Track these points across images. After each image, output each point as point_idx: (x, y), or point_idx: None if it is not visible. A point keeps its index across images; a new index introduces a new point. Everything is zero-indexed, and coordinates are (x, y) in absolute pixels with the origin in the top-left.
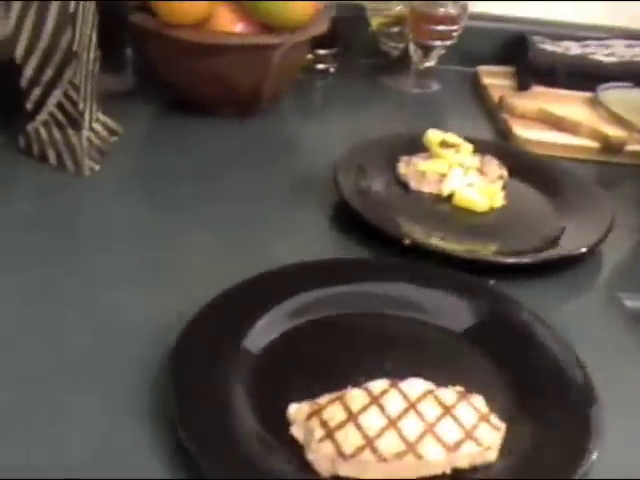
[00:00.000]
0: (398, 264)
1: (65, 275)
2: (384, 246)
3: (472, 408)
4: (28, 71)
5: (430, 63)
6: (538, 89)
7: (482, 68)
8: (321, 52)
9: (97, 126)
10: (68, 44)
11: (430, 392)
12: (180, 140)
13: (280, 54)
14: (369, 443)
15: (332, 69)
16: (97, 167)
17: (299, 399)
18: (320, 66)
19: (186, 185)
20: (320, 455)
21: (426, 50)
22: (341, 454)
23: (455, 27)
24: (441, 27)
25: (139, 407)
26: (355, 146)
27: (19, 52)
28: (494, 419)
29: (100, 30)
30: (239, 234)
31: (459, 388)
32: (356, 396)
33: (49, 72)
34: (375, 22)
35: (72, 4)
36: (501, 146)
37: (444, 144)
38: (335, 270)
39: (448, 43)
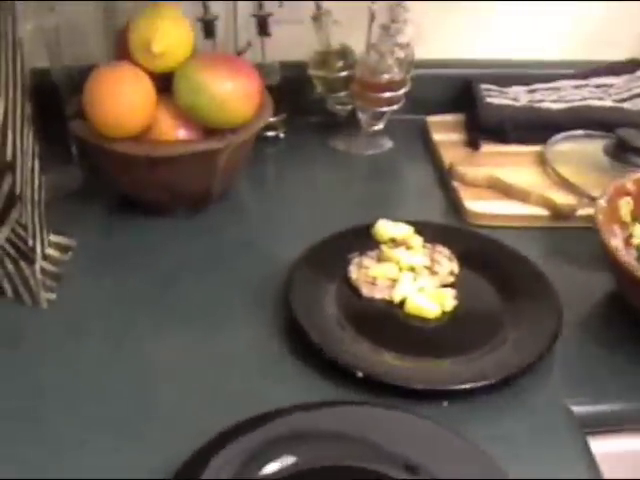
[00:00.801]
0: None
1: (29, 442)
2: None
3: None
4: None
5: (379, 126)
6: (488, 148)
7: (432, 119)
8: (270, 119)
9: (50, 251)
10: (10, 189)
11: None
12: (131, 247)
13: (226, 156)
14: None
15: (282, 135)
16: (53, 296)
17: None
18: (269, 133)
19: (140, 307)
20: None
21: (374, 115)
22: None
23: (401, 91)
24: (387, 94)
25: None
26: (305, 253)
27: None
28: None
29: (44, 126)
30: (195, 370)
31: None
32: None
33: None
34: (320, 87)
35: (8, 152)
36: (451, 230)
37: (394, 242)
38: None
39: (395, 107)
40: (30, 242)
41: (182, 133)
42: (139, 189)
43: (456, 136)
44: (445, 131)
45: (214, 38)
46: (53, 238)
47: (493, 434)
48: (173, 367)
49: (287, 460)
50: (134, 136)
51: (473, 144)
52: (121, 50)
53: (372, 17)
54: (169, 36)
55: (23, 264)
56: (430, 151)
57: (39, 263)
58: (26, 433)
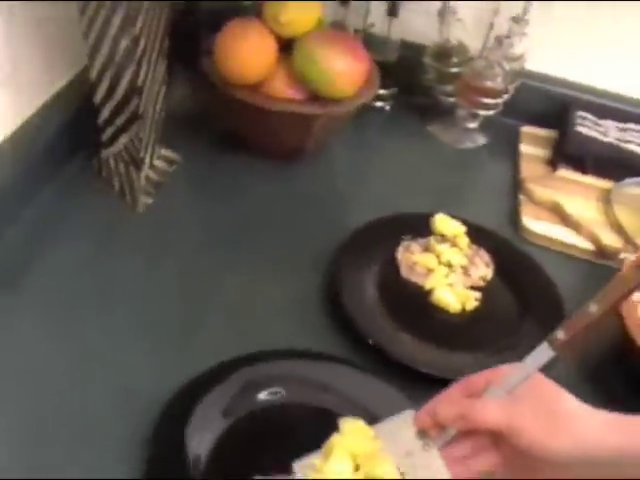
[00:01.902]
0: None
1: (92, 326)
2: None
3: None
4: (104, 114)
5: (474, 125)
6: (565, 173)
7: (526, 130)
8: (380, 92)
9: (157, 162)
10: (135, 107)
11: None
12: (224, 177)
13: (324, 121)
14: None
15: (387, 107)
16: (150, 201)
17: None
18: (378, 104)
19: (216, 234)
20: None
21: (471, 114)
22: None
23: (499, 100)
24: (486, 100)
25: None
26: (366, 224)
27: (97, 98)
28: None
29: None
30: (243, 306)
31: None
32: None
33: (120, 120)
34: (431, 75)
35: (140, 79)
36: (499, 240)
37: (443, 236)
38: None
39: (491, 113)
40: (142, 153)
41: (291, 93)
42: (242, 130)
43: (542, 151)
44: (534, 144)
45: (347, 7)
46: (163, 152)
47: None
48: (226, 296)
49: (277, 392)
50: (251, 85)
51: (553, 165)
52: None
53: (491, 26)
54: (296, 10)
55: (132, 169)
56: (514, 159)
57: (145, 172)
58: (92, 318)
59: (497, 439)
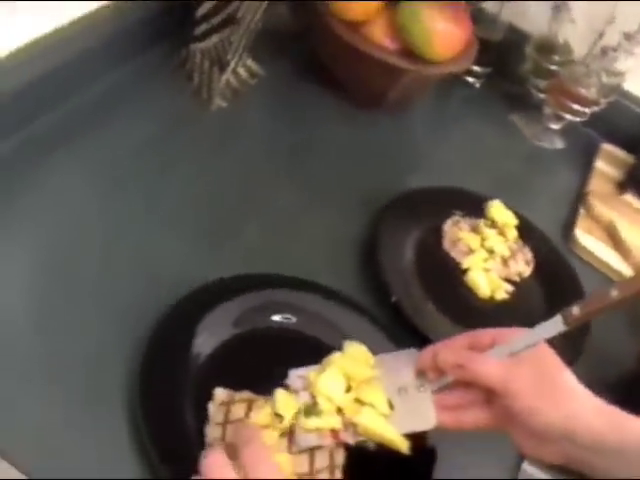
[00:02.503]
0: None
1: (141, 207)
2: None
3: None
4: (202, 9)
5: (557, 126)
6: (632, 200)
7: (605, 147)
8: (474, 68)
9: (241, 70)
10: (233, 11)
11: None
12: (301, 105)
13: (411, 75)
14: None
15: (478, 85)
16: (224, 105)
17: (229, 386)
18: (469, 78)
19: (278, 158)
20: (210, 437)
21: (556, 115)
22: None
23: (588, 110)
24: (575, 106)
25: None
26: (424, 188)
27: None
28: None
29: None
30: (284, 231)
31: None
32: (259, 406)
33: (217, 19)
34: (528, 66)
35: None
36: (546, 243)
37: (493, 222)
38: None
39: (578, 120)
40: (229, 56)
41: (387, 42)
42: (331, 63)
43: (615, 172)
44: (609, 162)
45: None
46: (249, 62)
47: None
48: (269, 214)
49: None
50: (351, 23)
51: (621, 188)
52: None
53: (600, 35)
54: None
55: (215, 69)
56: (584, 171)
57: (227, 75)
58: (138, 196)
59: (490, 397)
